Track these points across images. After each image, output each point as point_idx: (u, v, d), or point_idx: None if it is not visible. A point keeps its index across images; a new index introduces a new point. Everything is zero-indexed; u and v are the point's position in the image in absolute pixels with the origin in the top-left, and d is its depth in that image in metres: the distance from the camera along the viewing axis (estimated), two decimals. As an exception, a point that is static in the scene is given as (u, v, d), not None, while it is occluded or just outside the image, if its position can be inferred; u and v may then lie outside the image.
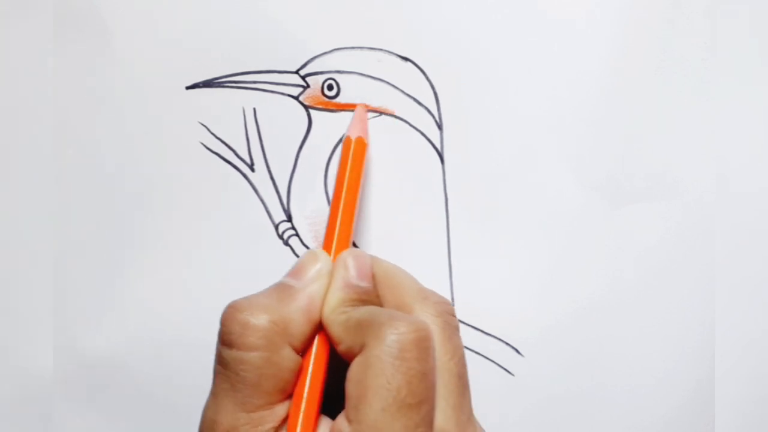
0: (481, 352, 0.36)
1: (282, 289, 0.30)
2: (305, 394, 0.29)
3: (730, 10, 0.36)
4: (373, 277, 0.31)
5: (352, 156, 0.33)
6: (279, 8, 0.36)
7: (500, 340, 0.36)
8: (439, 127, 0.36)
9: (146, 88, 0.37)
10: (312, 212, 0.37)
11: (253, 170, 0.37)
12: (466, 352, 0.34)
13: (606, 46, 0.36)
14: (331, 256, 0.31)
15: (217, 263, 0.37)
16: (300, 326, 0.29)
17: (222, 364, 0.28)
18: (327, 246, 0.32)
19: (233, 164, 0.37)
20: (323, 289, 0.30)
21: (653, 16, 0.36)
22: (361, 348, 0.27)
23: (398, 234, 0.36)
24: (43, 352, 0.37)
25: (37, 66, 0.37)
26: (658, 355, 0.36)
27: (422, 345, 0.27)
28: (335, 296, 0.30)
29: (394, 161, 0.36)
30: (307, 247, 0.37)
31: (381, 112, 0.36)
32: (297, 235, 0.37)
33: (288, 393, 0.29)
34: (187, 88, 0.37)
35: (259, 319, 0.28)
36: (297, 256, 0.37)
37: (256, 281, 0.36)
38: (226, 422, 0.28)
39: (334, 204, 0.32)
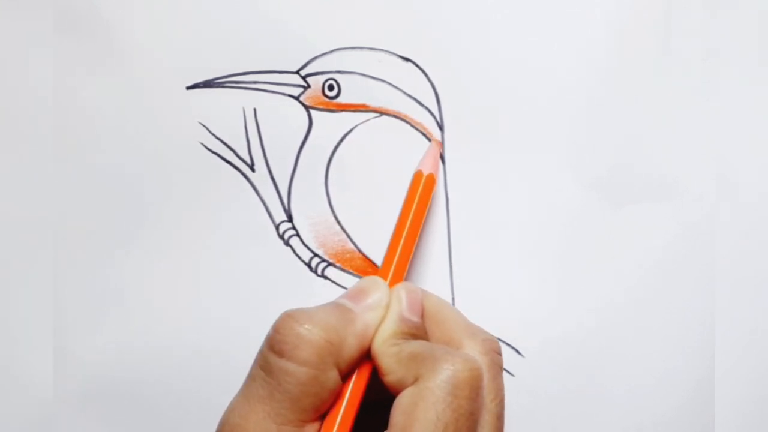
0: (481, 353, 0.36)
1: (341, 311, 0.30)
2: (338, 420, 0.29)
3: (730, 10, 0.36)
4: (423, 311, 0.31)
5: (421, 191, 0.34)
6: (280, 8, 0.36)
7: (501, 340, 0.36)
8: (440, 127, 0.36)
9: (146, 88, 0.37)
10: (313, 212, 0.36)
11: (253, 170, 0.37)
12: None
13: (606, 46, 0.36)
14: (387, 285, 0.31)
15: (217, 264, 0.37)
16: (351, 351, 0.29)
17: (266, 370, 0.28)
18: (383, 274, 0.32)
19: (234, 164, 0.37)
20: (379, 318, 0.30)
21: (653, 16, 0.36)
22: (414, 380, 0.28)
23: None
24: (43, 356, 0.36)
25: (37, 66, 0.36)
26: (658, 355, 0.36)
27: (475, 384, 0.28)
28: (389, 328, 0.30)
29: (394, 161, 0.36)
30: (308, 247, 0.36)
31: (381, 113, 0.36)
32: (297, 235, 0.36)
33: (320, 414, 0.29)
34: (187, 88, 0.37)
35: (316, 335, 0.28)
36: (297, 256, 0.36)
37: (257, 282, 0.37)
38: (252, 430, 0.27)
39: (395, 235, 0.33)
